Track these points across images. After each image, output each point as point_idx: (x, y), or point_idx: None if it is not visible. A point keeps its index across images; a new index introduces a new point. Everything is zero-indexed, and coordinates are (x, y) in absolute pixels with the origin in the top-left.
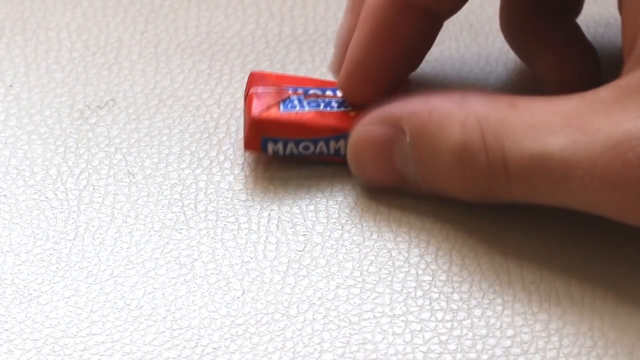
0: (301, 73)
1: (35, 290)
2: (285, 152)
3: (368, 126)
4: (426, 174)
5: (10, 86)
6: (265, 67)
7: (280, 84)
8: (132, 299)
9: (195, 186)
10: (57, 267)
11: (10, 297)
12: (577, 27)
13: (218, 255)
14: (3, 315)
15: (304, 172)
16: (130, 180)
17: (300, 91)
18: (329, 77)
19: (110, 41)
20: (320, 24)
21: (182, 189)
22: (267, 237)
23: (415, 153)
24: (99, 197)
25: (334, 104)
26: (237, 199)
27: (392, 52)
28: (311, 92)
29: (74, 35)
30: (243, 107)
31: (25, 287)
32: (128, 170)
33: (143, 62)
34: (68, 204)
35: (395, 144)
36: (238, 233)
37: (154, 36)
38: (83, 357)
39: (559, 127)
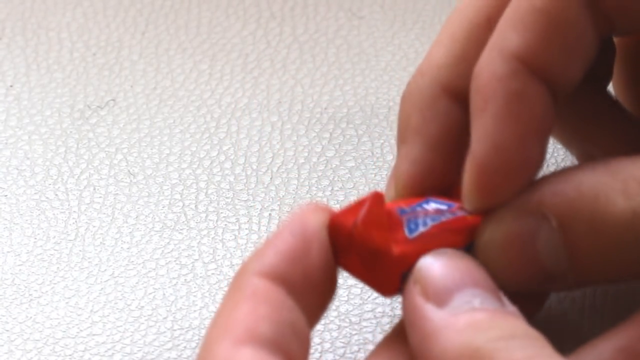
0: (302, 72)
1: (35, 290)
2: None
3: (501, 224)
4: (584, 260)
5: (11, 86)
6: (266, 67)
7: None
8: (133, 300)
9: (196, 186)
10: (57, 268)
11: (10, 298)
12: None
13: (219, 255)
14: (4, 316)
15: (304, 172)
16: (131, 181)
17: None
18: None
19: (111, 41)
20: (321, 24)
21: (182, 189)
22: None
23: (569, 238)
24: (100, 197)
25: (448, 214)
26: (238, 199)
27: (529, 130)
28: (419, 209)
29: (74, 35)
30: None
31: (25, 287)
32: (129, 171)
33: (144, 62)
34: (69, 204)
35: (539, 234)
36: (239, 233)
37: (155, 36)
38: (84, 358)
39: None
